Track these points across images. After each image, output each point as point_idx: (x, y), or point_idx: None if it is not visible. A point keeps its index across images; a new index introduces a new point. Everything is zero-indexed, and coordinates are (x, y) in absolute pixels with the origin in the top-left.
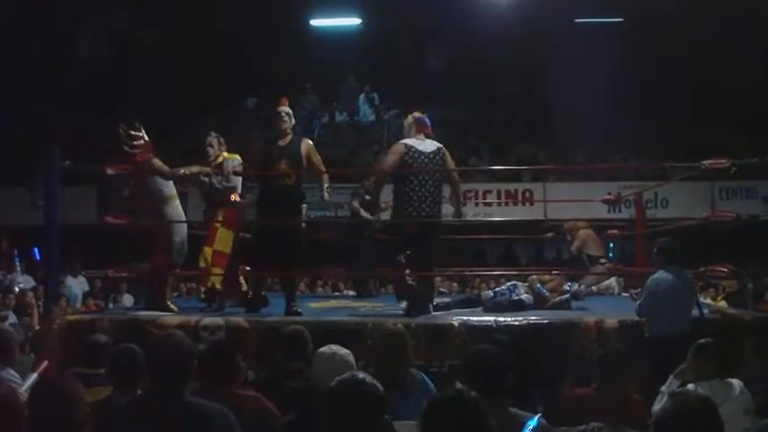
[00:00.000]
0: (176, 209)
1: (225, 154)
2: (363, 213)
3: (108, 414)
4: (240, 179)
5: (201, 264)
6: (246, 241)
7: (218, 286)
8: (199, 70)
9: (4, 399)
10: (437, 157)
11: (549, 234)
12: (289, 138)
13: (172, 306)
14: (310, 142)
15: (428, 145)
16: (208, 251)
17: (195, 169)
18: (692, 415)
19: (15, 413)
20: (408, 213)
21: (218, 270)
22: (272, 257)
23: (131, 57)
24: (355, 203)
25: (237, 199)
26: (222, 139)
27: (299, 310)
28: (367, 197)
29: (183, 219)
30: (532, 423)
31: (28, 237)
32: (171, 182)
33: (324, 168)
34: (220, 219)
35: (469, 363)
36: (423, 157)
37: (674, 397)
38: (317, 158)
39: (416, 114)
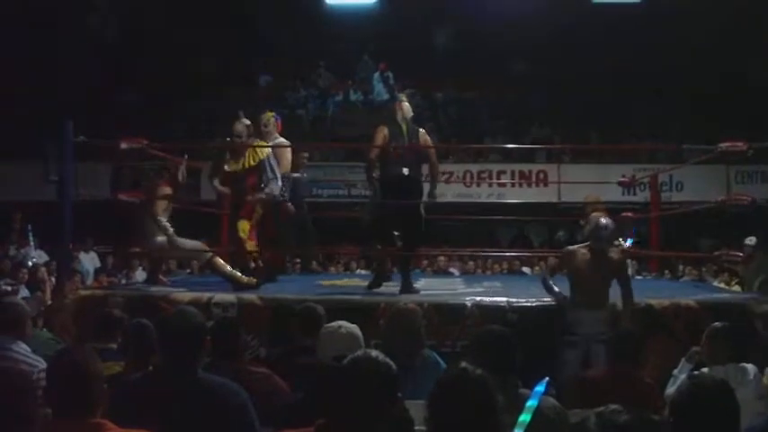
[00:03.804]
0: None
1: (260, 151)
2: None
3: (120, 389)
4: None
5: (241, 235)
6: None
7: (260, 263)
8: (211, 47)
9: (16, 378)
10: None
11: (560, 233)
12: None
13: (245, 279)
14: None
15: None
16: (245, 225)
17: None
18: (710, 398)
19: (26, 392)
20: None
21: (252, 245)
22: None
23: (143, 32)
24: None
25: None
26: (251, 127)
27: (416, 286)
28: (295, 174)
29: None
30: (541, 389)
31: (41, 212)
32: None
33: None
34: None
35: (477, 342)
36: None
37: (692, 380)
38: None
39: (275, 114)
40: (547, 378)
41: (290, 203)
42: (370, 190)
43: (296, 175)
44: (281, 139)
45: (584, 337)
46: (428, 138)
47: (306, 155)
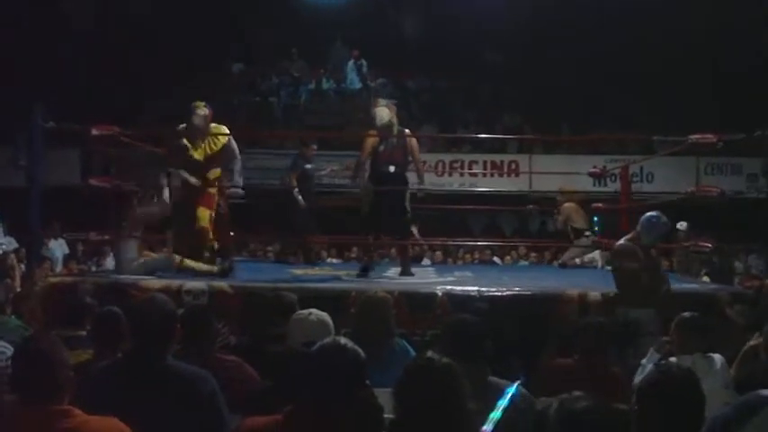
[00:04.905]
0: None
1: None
2: (294, 190)
3: (89, 377)
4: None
5: (202, 224)
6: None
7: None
8: (184, 34)
9: None
10: None
11: (530, 206)
12: None
13: (216, 269)
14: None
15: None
16: (205, 212)
17: None
18: (674, 386)
19: None
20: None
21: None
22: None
23: (115, 19)
24: (288, 178)
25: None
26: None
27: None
28: (307, 166)
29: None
30: (511, 390)
31: (10, 197)
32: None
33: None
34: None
35: (447, 331)
36: None
37: (657, 368)
38: None
39: (204, 103)
40: (518, 382)
41: (300, 197)
42: (355, 185)
43: (308, 166)
44: (222, 127)
45: (652, 335)
46: (414, 138)
47: (314, 146)
